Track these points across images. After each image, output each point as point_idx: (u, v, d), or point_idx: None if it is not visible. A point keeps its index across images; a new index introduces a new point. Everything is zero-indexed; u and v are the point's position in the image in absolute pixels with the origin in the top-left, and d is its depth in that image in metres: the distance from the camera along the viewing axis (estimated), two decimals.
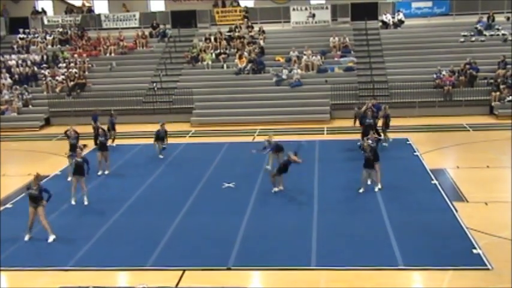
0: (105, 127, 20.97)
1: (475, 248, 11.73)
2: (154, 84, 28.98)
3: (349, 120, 21.44)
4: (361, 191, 15.56)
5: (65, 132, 19.12)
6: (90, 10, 36.87)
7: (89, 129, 22.19)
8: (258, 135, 23.87)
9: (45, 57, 32.08)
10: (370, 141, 15.90)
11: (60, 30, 34.06)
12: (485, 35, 30.32)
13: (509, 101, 25.62)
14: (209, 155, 20.38)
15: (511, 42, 29.19)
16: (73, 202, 15.58)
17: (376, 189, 15.54)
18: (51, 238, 13.02)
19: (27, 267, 11.80)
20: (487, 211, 14.09)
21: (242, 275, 11.25)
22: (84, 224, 14.12)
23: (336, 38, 30.55)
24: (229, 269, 11.41)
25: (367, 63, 29.25)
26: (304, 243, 12.40)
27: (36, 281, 11.24)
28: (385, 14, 32.42)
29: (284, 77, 28.56)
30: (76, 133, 18.88)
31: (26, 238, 13.14)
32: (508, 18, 30.98)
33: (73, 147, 17.74)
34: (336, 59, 29.87)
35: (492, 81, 26.68)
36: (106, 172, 18.34)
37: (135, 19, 34.22)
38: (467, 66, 27.24)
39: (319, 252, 11.91)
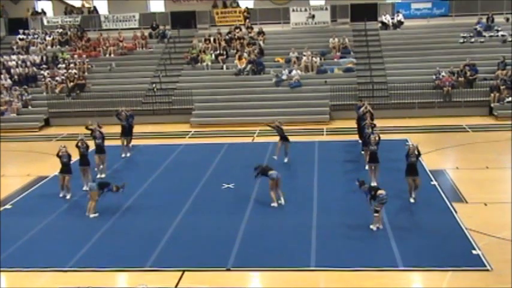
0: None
1: (474, 249, 11.75)
2: (154, 85, 28.96)
3: (348, 121, 21.44)
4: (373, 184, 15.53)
5: (91, 133, 18.79)
6: (93, 10, 36.71)
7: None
8: (257, 136, 23.88)
9: (44, 58, 32.03)
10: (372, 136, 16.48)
11: (60, 31, 34.05)
12: (484, 36, 30.30)
13: (508, 101, 25.63)
14: (209, 156, 20.36)
15: (511, 43, 29.17)
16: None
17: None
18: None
19: (26, 267, 11.80)
20: (487, 212, 14.10)
21: (241, 275, 11.26)
22: (84, 225, 14.10)
23: (336, 39, 30.55)
24: (228, 269, 11.41)
25: (366, 64, 29.23)
26: (303, 243, 12.41)
27: (35, 281, 11.25)
28: (385, 15, 32.42)
29: (284, 77, 28.55)
30: (101, 133, 18.73)
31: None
32: (508, 19, 30.98)
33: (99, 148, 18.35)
34: (335, 59, 29.86)
35: (492, 82, 26.71)
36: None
37: (135, 20, 34.20)
38: (467, 67, 27.26)
39: (319, 252, 11.92)
